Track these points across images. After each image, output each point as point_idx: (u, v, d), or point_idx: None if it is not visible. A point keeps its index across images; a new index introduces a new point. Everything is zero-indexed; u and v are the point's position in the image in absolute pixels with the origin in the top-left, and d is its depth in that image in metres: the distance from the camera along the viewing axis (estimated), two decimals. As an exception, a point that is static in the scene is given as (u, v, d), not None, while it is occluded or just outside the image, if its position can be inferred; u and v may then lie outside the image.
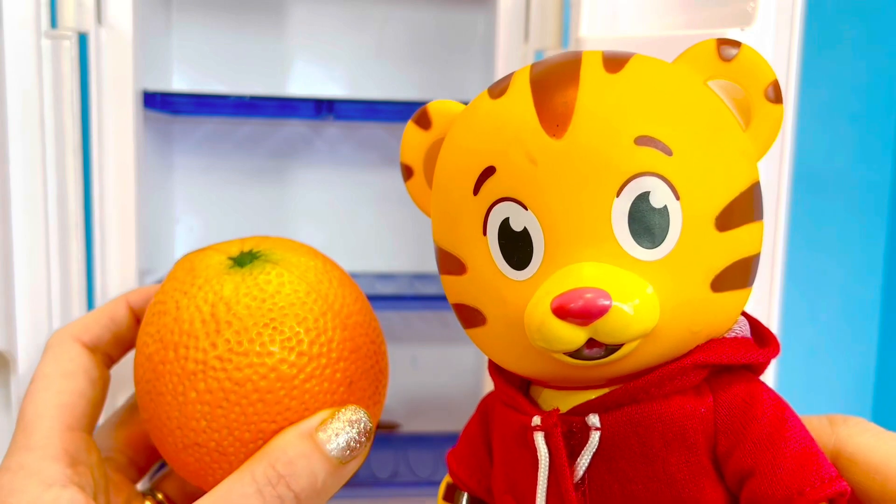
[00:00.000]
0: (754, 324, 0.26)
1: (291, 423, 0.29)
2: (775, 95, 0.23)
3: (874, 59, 0.68)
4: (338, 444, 0.28)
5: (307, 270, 0.31)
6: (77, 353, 0.33)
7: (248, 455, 0.29)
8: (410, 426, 0.67)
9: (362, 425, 0.29)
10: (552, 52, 0.51)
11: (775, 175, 0.40)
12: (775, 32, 0.39)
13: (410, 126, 0.27)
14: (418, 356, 0.67)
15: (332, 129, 0.64)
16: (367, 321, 0.33)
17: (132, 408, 0.36)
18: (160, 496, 0.35)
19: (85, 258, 0.47)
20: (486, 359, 0.27)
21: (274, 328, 0.29)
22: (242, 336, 0.29)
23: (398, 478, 0.58)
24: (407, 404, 0.67)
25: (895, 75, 0.68)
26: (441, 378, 0.67)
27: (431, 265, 0.70)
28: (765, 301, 0.41)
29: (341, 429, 0.29)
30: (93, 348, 0.34)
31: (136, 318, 0.35)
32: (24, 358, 0.46)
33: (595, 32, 0.43)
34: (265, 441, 0.29)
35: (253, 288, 0.30)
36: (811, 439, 0.23)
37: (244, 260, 0.31)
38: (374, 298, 0.58)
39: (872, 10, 0.67)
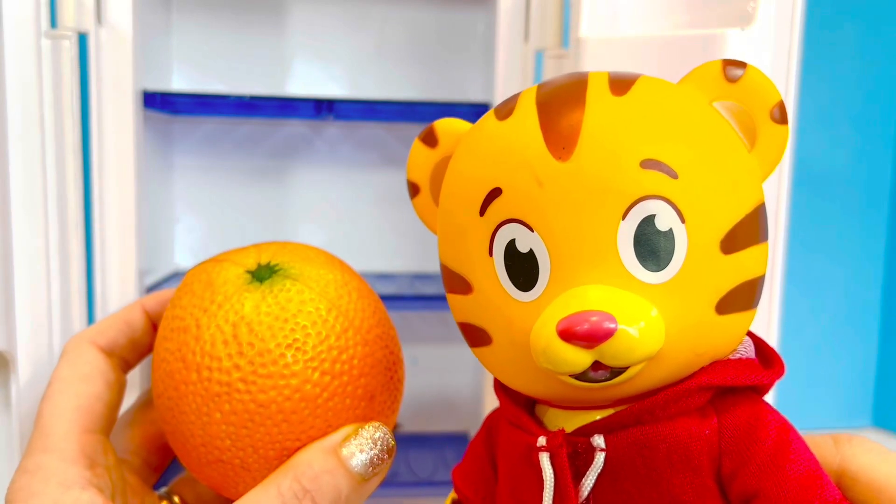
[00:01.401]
0: (759, 344, 0.26)
1: (314, 439, 0.29)
2: (781, 116, 0.23)
3: (874, 59, 0.68)
4: (361, 460, 0.29)
5: (327, 285, 0.31)
6: (93, 356, 0.33)
7: (272, 469, 0.29)
8: (410, 426, 0.67)
9: (385, 443, 0.30)
10: (552, 52, 0.51)
11: (775, 175, 0.40)
12: (775, 32, 0.39)
13: (417, 144, 0.27)
14: (418, 356, 0.67)
15: (331, 128, 0.64)
16: (386, 332, 0.33)
17: (143, 407, 0.36)
18: (177, 500, 0.35)
19: (85, 258, 0.47)
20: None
21: (297, 349, 0.29)
22: (266, 357, 0.29)
23: (398, 478, 0.58)
24: (407, 404, 0.67)
25: (895, 75, 0.68)
26: (441, 378, 0.67)
27: (431, 265, 0.70)
28: (765, 301, 0.41)
29: (364, 446, 0.29)
30: (109, 352, 0.34)
31: (152, 323, 0.36)
32: (24, 358, 0.46)
33: (595, 32, 0.43)
34: (289, 456, 0.29)
35: (274, 307, 0.30)
36: (815, 461, 0.23)
37: (263, 274, 0.31)
38: (374, 298, 0.58)
39: (872, 10, 0.67)
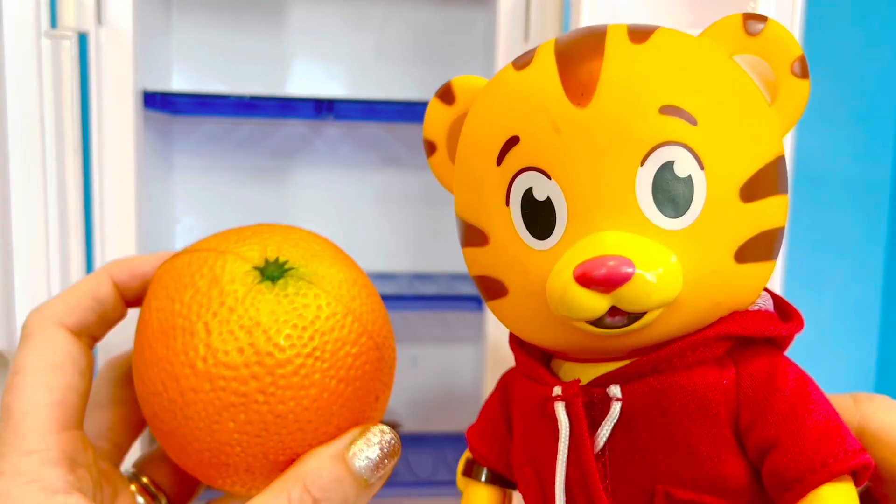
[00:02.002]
0: (777, 300, 0.26)
1: (323, 443, 0.29)
2: (802, 71, 0.23)
3: (874, 59, 0.68)
4: (367, 465, 0.29)
5: (340, 286, 0.30)
6: (62, 340, 0.30)
7: (276, 472, 0.29)
8: (410, 426, 0.67)
9: (390, 446, 0.29)
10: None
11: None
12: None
13: (434, 101, 0.27)
14: (418, 356, 0.67)
15: (332, 128, 0.64)
16: (388, 328, 0.32)
17: (116, 387, 0.34)
18: (145, 480, 0.34)
19: (85, 258, 0.47)
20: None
21: (316, 357, 0.28)
22: (287, 368, 0.28)
23: (398, 478, 0.58)
24: (407, 404, 0.67)
25: (895, 75, 0.68)
26: (441, 378, 0.67)
27: (431, 265, 0.70)
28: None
29: (372, 451, 0.29)
30: (78, 332, 0.31)
31: (122, 294, 0.33)
32: (25, 358, 0.46)
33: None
34: (294, 460, 0.29)
35: (292, 314, 0.28)
36: (834, 412, 0.23)
37: (273, 273, 0.29)
38: (375, 298, 0.58)
39: (872, 10, 0.67)
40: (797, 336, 0.25)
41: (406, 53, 0.64)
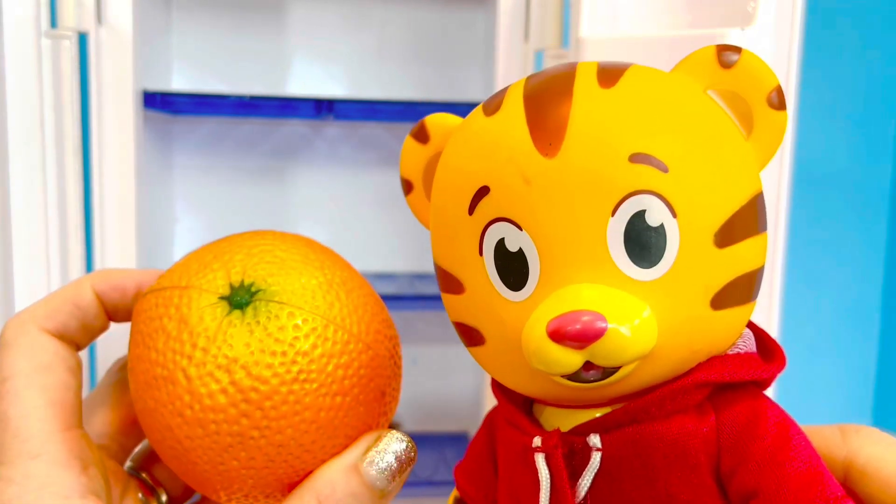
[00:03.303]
0: (760, 336, 0.25)
1: (336, 454, 0.28)
2: (779, 101, 0.23)
3: (873, 59, 0.68)
4: (382, 475, 0.28)
5: (314, 296, 0.28)
6: (47, 341, 0.29)
7: (286, 489, 0.28)
8: (410, 426, 0.67)
9: (406, 453, 0.28)
10: (552, 52, 0.51)
11: (775, 175, 0.40)
12: (775, 32, 0.39)
13: (409, 140, 0.27)
14: (418, 356, 0.67)
15: (332, 128, 0.64)
16: (382, 320, 0.30)
17: (116, 387, 0.33)
18: (144, 475, 0.33)
19: (85, 258, 0.47)
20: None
21: (303, 381, 0.27)
22: (275, 399, 0.26)
23: (398, 478, 0.58)
24: (407, 404, 0.67)
25: (895, 75, 0.68)
26: (441, 378, 0.67)
27: (431, 265, 0.70)
28: (765, 301, 0.41)
29: (386, 459, 0.28)
30: (59, 336, 0.30)
31: (104, 306, 0.32)
32: (24, 358, 0.46)
33: (595, 32, 0.43)
34: (307, 475, 0.28)
35: (268, 342, 0.27)
36: (817, 457, 0.23)
37: (241, 300, 0.28)
38: (374, 298, 0.58)
39: (872, 11, 0.67)
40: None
41: (406, 53, 0.64)
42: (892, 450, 0.24)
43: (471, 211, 0.23)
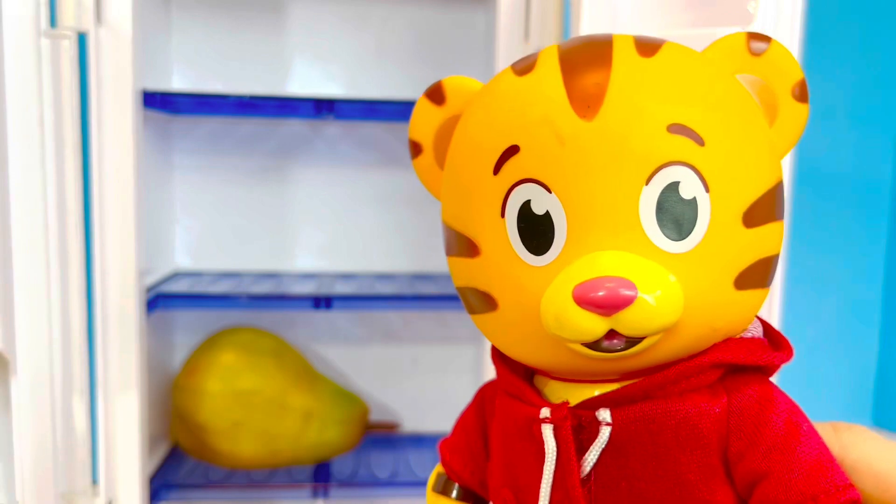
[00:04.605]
0: (766, 326, 0.25)
1: None
2: (801, 94, 0.23)
3: (874, 59, 0.68)
4: None
5: None
6: None
7: None
8: (410, 426, 0.67)
9: None
10: (552, 51, 0.51)
11: (776, 175, 0.40)
12: (776, 32, 0.39)
13: (422, 101, 0.26)
14: (418, 356, 0.67)
15: (331, 128, 0.64)
16: None
17: None
18: None
19: (84, 258, 0.47)
20: (486, 359, 0.27)
21: None
22: None
23: (398, 478, 0.58)
24: (407, 404, 0.67)
25: (895, 75, 0.68)
26: (441, 378, 0.67)
27: (431, 265, 0.70)
28: (767, 299, 0.41)
29: None
30: None
31: None
32: (23, 358, 0.46)
33: (595, 32, 0.43)
34: None
35: None
36: (824, 445, 0.23)
37: None
38: (374, 298, 0.58)
39: (872, 10, 0.67)
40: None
41: (406, 53, 0.64)
42: (882, 448, 0.24)
43: (496, 170, 0.23)
